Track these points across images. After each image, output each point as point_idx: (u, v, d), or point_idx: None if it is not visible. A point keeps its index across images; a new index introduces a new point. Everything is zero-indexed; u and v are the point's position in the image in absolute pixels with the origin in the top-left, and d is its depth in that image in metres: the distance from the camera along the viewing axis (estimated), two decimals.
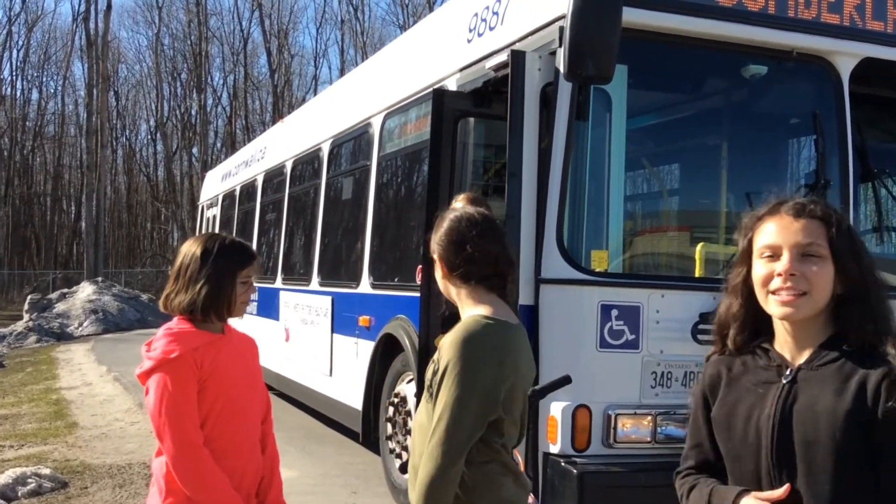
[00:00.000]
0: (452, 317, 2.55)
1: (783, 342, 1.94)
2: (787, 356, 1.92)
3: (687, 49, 4.63)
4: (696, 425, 2.08)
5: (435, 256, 2.51)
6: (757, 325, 1.98)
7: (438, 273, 2.53)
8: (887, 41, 4.76)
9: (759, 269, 1.92)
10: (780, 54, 4.70)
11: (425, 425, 2.39)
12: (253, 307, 9.96)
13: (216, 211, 14.55)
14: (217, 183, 15.24)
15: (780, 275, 1.87)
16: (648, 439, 4.29)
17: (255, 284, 3.12)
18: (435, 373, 2.37)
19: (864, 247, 1.93)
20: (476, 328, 2.36)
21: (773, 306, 1.89)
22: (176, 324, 2.90)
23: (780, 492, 1.82)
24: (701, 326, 4.31)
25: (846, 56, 4.72)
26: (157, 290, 39.09)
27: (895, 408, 1.74)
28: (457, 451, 2.29)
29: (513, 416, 2.39)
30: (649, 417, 4.29)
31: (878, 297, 1.88)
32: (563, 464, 4.21)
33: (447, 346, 2.35)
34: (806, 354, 1.90)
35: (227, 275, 2.86)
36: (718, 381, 2.02)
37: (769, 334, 1.97)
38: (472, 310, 2.45)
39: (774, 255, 1.90)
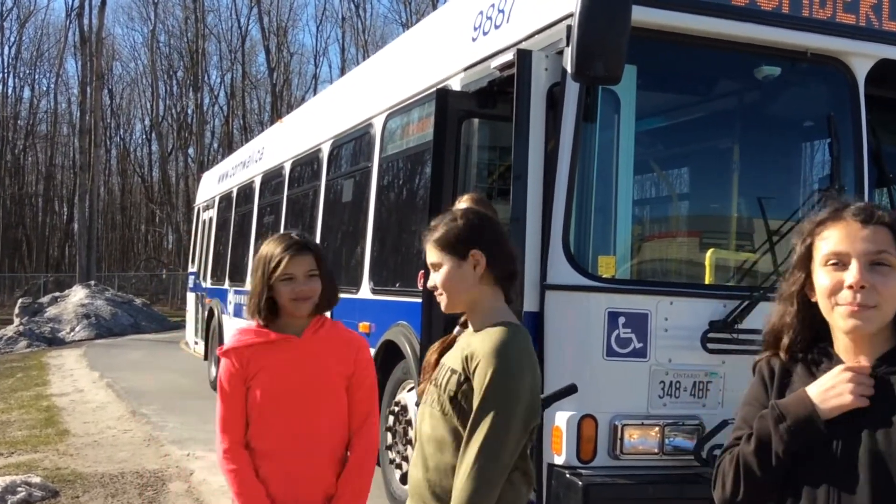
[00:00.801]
0: (451, 322, 2.57)
1: (844, 349, 1.91)
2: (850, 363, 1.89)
3: (698, 49, 4.63)
4: (739, 422, 2.01)
5: (475, 255, 2.46)
6: (814, 333, 1.95)
7: (465, 273, 2.46)
8: None
9: (824, 278, 1.87)
10: (794, 55, 4.70)
11: (445, 439, 2.39)
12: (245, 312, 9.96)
13: (213, 213, 14.57)
14: (214, 184, 15.26)
15: (850, 287, 1.82)
16: (656, 451, 4.29)
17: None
18: (461, 383, 2.37)
19: None
20: (516, 336, 2.38)
21: (839, 318, 1.85)
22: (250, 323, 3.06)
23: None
24: (710, 335, 4.32)
25: (862, 57, 4.73)
26: (152, 294, 39.25)
27: None
28: (505, 469, 2.31)
29: None
30: (657, 428, 4.29)
31: None
32: (567, 475, 4.21)
33: (488, 355, 2.33)
34: (867, 363, 1.86)
35: (261, 276, 2.94)
36: (784, 377, 1.97)
37: (826, 340, 1.94)
38: (493, 314, 2.46)
39: (841, 263, 1.85)
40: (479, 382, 2.32)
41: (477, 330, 2.47)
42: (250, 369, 2.94)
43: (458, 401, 2.37)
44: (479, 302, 2.49)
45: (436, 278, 2.49)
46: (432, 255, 2.50)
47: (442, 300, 2.51)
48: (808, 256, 1.94)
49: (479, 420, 2.31)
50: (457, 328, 2.61)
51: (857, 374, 1.83)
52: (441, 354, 2.59)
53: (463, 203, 4.78)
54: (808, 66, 4.78)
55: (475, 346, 2.38)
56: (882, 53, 4.74)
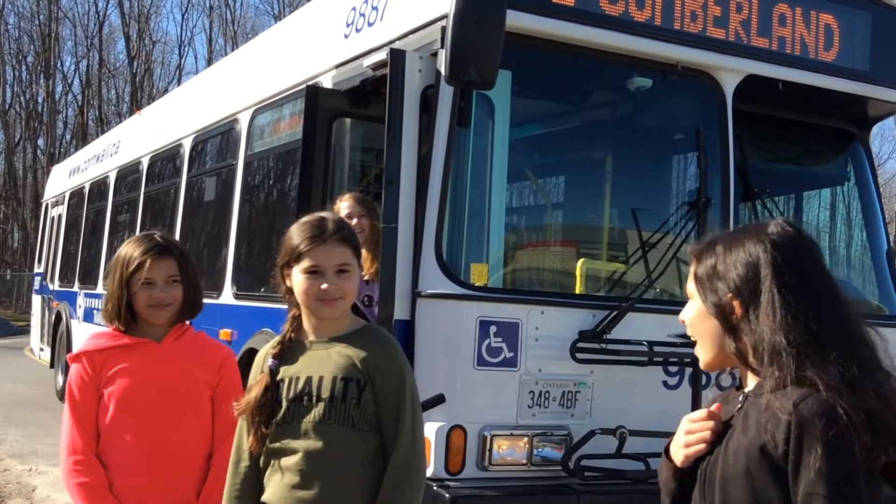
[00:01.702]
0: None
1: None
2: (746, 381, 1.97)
3: (573, 58, 4.75)
4: None
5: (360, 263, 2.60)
6: None
7: (358, 279, 2.58)
8: (772, 58, 5.02)
9: None
10: (666, 67, 4.88)
11: (352, 451, 2.44)
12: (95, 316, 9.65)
13: (62, 210, 14.04)
14: (64, 179, 14.70)
15: None
16: (524, 461, 4.37)
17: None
18: (362, 388, 2.45)
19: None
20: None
21: None
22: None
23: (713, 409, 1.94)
24: (580, 345, 4.43)
25: (730, 72, 4.96)
26: None
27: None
28: None
29: None
30: (526, 439, 4.36)
31: None
32: (435, 488, 4.23)
33: (397, 354, 2.52)
34: (754, 380, 1.94)
35: (119, 280, 2.85)
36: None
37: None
38: (354, 318, 2.60)
39: None
40: (398, 381, 2.47)
41: (338, 334, 2.52)
42: (104, 374, 2.84)
43: (362, 406, 2.43)
44: (349, 311, 2.58)
45: (341, 282, 2.48)
46: (343, 256, 2.49)
47: (338, 305, 2.50)
48: None
49: (411, 418, 2.46)
50: (272, 361, 2.55)
51: (694, 423, 1.95)
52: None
53: (344, 202, 4.80)
54: (679, 79, 4.97)
55: (369, 348, 2.48)
56: (750, 69, 4.98)
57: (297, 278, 2.49)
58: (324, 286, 2.45)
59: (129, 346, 2.88)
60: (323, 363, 2.49)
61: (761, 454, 1.78)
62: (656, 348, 4.48)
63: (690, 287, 2.01)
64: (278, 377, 2.53)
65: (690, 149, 5.31)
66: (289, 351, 2.56)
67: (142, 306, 2.85)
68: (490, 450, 4.30)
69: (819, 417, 1.72)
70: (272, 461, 2.51)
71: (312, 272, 2.47)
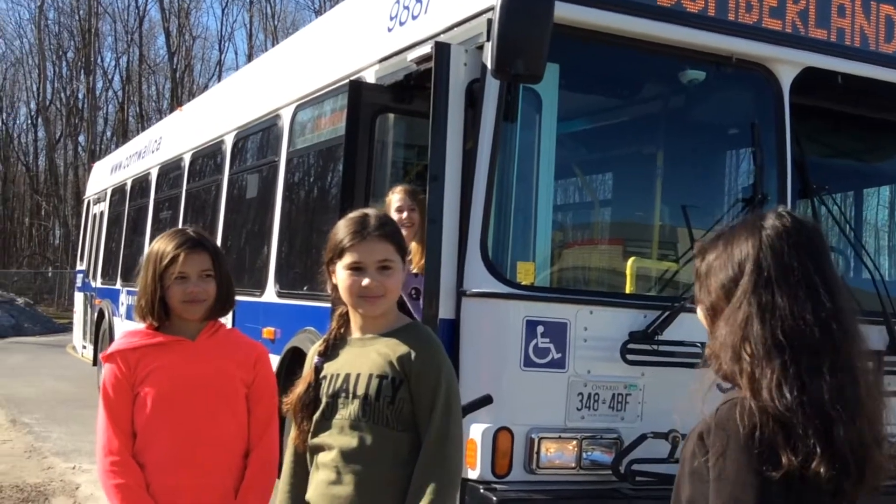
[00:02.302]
0: None
1: None
2: None
3: (623, 50, 4.71)
4: None
5: (406, 261, 2.63)
6: None
7: (401, 277, 2.58)
8: (830, 50, 4.93)
9: None
10: (720, 60, 4.82)
11: (382, 450, 2.46)
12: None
13: (104, 207, 14.25)
14: (106, 176, 14.92)
15: None
16: (573, 465, 4.34)
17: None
18: (397, 387, 2.46)
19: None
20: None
21: None
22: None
23: None
24: (630, 346, 4.39)
25: (787, 64, 4.88)
26: (36, 293, 38.06)
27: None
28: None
29: None
30: (574, 442, 4.34)
31: None
32: (482, 490, 4.23)
33: (435, 352, 2.52)
34: None
35: (152, 275, 2.87)
36: None
37: None
38: (399, 316, 2.64)
39: None
40: (434, 380, 2.46)
41: (382, 332, 2.55)
42: (138, 373, 2.86)
43: (397, 405, 2.46)
44: (393, 307, 2.60)
45: (383, 279, 2.50)
46: (385, 252, 2.52)
47: (379, 303, 2.53)
48: None
49: (442, 416, 2.45)
50: (317, 359, 2.62)
51: None
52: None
53: (395, 194, 4.83)
54: (734, 72, 4.90)
55: (407, 346, 2.49)
56: (808, 61, 4.89)
57: (341, 275, 2.53)
58: (365, 282, 2.48)
59: (163, 344, 2.90)
60: (362, 360, 2.53)
61: (699, 443, 1.85)
62: None
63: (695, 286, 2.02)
64: (322, 374, 2.59)
65: (745, 144, 5.24)
66: (334, 348, 2.62)
67: (176, 301, 2.87)
68: (538, 452, 4.29)
69: (725, 424, 1.77)
70: (313, 457, 2.58)
71: (354, 268, 2.50)
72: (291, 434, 2.65)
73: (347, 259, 2.50)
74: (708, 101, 5.32)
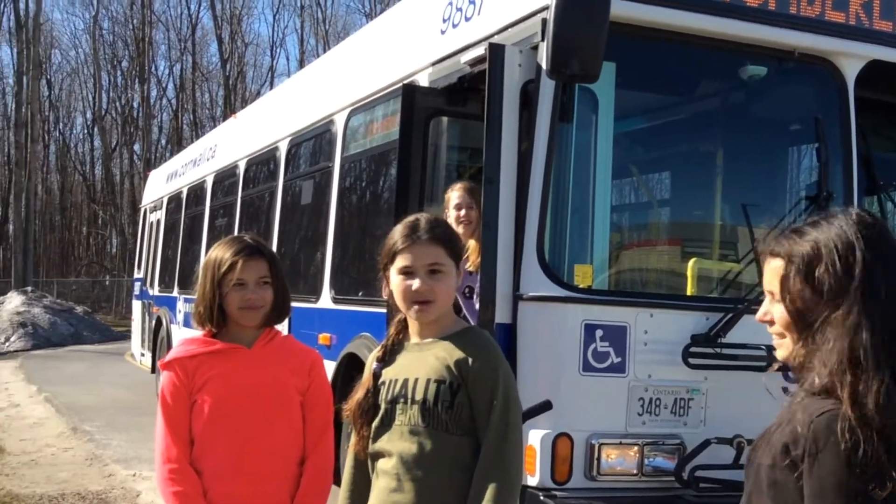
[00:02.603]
0: None
1: None
2: None
3: (681, 47, 4.68)
4: None
5: (461, 266, 2.64)
6: None
7: (455, 283, 2.61)
8: (895, 42, 4.84)
9: None
10: (781, 54, 4.76)
11: (441, 455, 2.47)
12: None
13: (160, 215, 14.48)
14: (161, 184, 15.16)
15: None
16: (635, 471, 4.32)
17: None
18: (455, 392, 2.47)
19: None
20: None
21: None
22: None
23: None
24: (692, 349, 4.35)
25: (852, 58, 4.80)
26: (94, 302, 38.84)
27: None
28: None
29: None
30: (636, 447, 4.31)
31: None
32: (542, 497, 4.22)
33: (493, 361, 2.51)
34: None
35: (210, 281, 2.91)
36: None
37: None
38: (457, 320, 2.64)
39: None
40: (491, 383, 2.46)
41: (439, 336, 2.55)
42: (196, 381, 2.91)
43: (455, 409, 2.46)
44: (449, 311, 2.61)
45: (433, 283, 2.51)
46: (436, 256, 2.52)
47: (429, 308, 2.53)
48: None
49: (500, 419, 2.45)
50: (375, 364, 2.65)
51: None
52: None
53: (455, 192, 4.85)
54: (796, 67, 4.84)
55: (464, 351, 2.49)
56: (873, 54, 4.80)
57: (393, 279, 2.55)
58: (414, 286, 2.50)
59: (220, 351, 2.94)
60: (419, 365, 2.54)
61: (783, 454, 1.77)
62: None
63: (769, 283, 1.93)
64: (380, 380, 2.60)
65: (808, 140, 5.16)
66: (392, 353, 2.64)
67: (234, 308, 2.91)
68: (598, 459, 4.27)
69: (823, 438, 1.70)
70: (374, 464, 2.59)
71: (405, 272, 2.52)
72: (351, 441, 2.67)
73: (398, 263, 2.53)
74: (769, 96, 5.25)
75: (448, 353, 2.50)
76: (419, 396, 2.49)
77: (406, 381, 2.54)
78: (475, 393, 2.47)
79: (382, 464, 2.55)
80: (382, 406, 2.56)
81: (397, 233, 2.56)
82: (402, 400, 2.53)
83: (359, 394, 2.62)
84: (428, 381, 2.49)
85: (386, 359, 2.63)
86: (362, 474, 2.66)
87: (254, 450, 2.89)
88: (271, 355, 2.98)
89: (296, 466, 2.98)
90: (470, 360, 2.48)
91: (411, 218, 2.60)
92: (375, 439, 2.57)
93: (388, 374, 2.60)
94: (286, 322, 7.49)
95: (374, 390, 2.60)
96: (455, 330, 2.58)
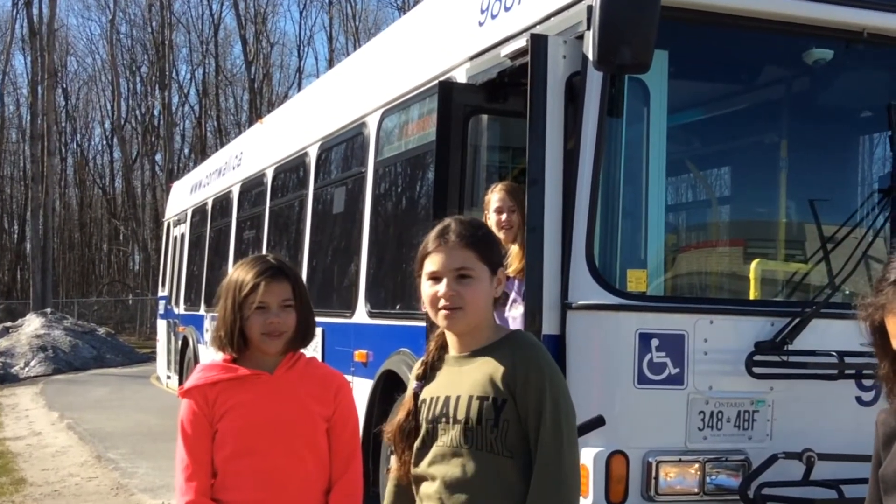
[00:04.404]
0: None
1: None
2: None
3: (738, 31, 4.68)
4: (870, 488, 2.14)
5: (501, 272, 2.61)
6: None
7: (491, 290, 2.57)
8: None
9: None
10: (849, 36, 4.73)
11: (486, 477, 2.44)
12: None
13: (185, 229, 14.64)
14: (185, 196, 15.34)
15: None
16: (696, 490, 4.30)
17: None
18: (499, 408, 2.43)
19: None
20: (545, 347, 2.59)
21: None
22: (222, 356, 3.08)
23: None
24: (757, 358, 4.33)
25: None
26: (117, 322, 39.35)
27: None
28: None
29: None
30: (697, 465, 4.30)
31: None
32: None
33: (540, 368, 2.47)
34: None
35: (231, 304, 2.96)
36: (892, 436, 2.07)
37: None
38: (498, 328, 2.62)
39: None
40: (538, 393, 2.42)
41: (477, 349, 2.53)
42: (217, 410, 2.95)
43: (501, 427, 2.43)
44: (488, 321, 2.59)
45: (461, 289, 2.49)
46: (464, 260, 2.51)
47: (457, 315, 2.51)
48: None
49: (556, 437, 2.41)
50: (415, 384, 2.65)
51: None
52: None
53: (495, 193, 4.87)
54: (865, 49, 4.82)
55: (509, 361, 2.46)
56: None
57: (423, 286, 2.56)
58: (439, 292, 2.49)
59: (242, 378, 2.98)
60: (461, 381, 2.52)
61: None
62: (847, 359, 4.33)
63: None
64: (421, 399, 2.60)
65: (880, 128, 5.12)
66: (433, 370, 2.63)
67: (256, 333, 2.95)
68: (656, 478, 4.26)
69: None
70: (417, 489, 2.59)
71: (433, 277, 2.53)
72: (392, 465, 2.68)
73: (427, 267, 2.54)
74: (836, 82, 5.22)
75: (490, 366, 2.48)
76: (461, 415, 2.47)
77: (447, 398, 2.52)
78: (523, 408, 2.43)
79: (425, 488, 2.54)
80: (423, 426, 2.56)
81: (429, 237, 2.57)
82: (443, 419, 2.51)
83: (400, 415, 2.62)
84: (470, 398, 2.47)
85: (426, 376, 2.63)
86: (403, 500, 2.66)
87: (279, 481, 2.94)
88: (295, 381, 3.02)
89: (322, 496, 3.02)
90: (514, 372, 2.44)
91: (445, 221, 2.61)
92: (417, 462, 2.57)
93: (428, 391, 2.59)
94: (319, 338, 7.58)
95: (415, 411, 2.60)
96: (497, 338, 2.56)
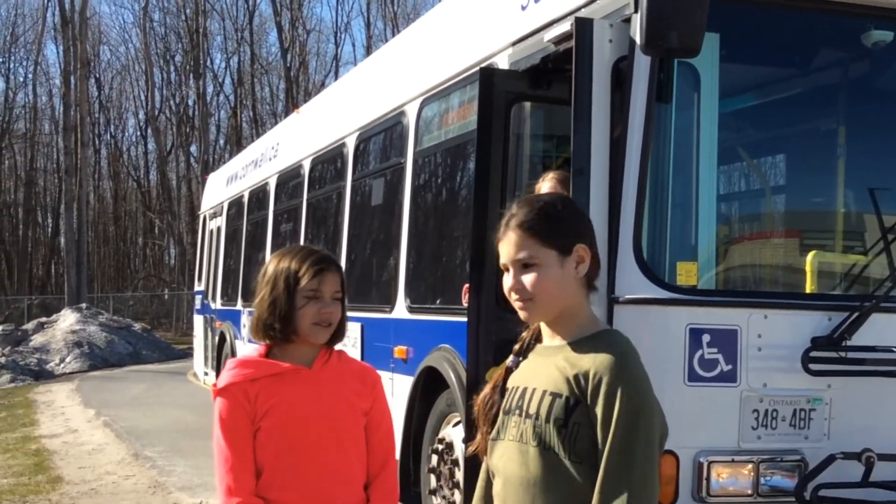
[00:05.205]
0: (506, 344, 2.56)
1: None
2: None
3: (792, 12, 4.65)
4: None
5: (580, 250, 2.43)
6: None
7: (567, 273, 2.41)
8: None
9: None
10: None
11: (548, 478, 2.31)
12: None
13: (221, 221, 14.76)
14: (221, 188, 15.47)
15: None
16: (750, 491, 4.28)
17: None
18: (570, 409, 2.30)
19: None
20: (630, 344, 2.40)
21: None
22: (255, 349, 3.09)
23: None
24: (813, 354, 4.30)
25: None
26: (153, 318, 39.81)
27: None
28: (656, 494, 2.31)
29: None
30: (751, 465, 4.28)
31: None
32: None
33: (620, 374, 2.28)
34: None
35: (284, 291, 2.95)
36: None
37: None
38: (592, 322, 2.46)
39: None
40: (610, 399, 2.26)
41: (571, 342, 2.41)
42: (259, 407, 2.95)
43: (570, 429, 2.30)
44: (576, 309, 2.45)
45: (525, 279, 2.40)
46: (523, 248, 2.40)
47: (529, 307, 2.42)
48: None
49: (625, 448, 2.24)
50: (511, 357, 2.57)
51: None
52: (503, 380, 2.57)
53: (547, 182, 4.85)
54: None
55: (587, 360, 2.32)
56: None
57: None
58: (506, 285, 2.44)
59: (281, 374, 2.99)
60: (541, 373, 2.43)
61: None
62: None
63: None
64: (507, 384, 2.54)
65: None
66: (526, 353, 2.56)
67: (306, 323, 2.95)
68: (708, 479, 4.24)
69: None
70: (492, 480, 2.54)
71: (504, 268, 2.47)
72: (476, 440, 2.60)
73: (501, 258, 2.48)
74: None
75: (570, 362, 2.36)
76: (533, 410, 2.37)
77: (525, 390, 2.43)
78: (593, 414, 2.29)
79: (495, 485, 2.50)
80: (500, 415, 2.49)
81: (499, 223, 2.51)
82: (517, 412, 2.42)
83: (486, 388, 2.56)
84: (544, 392, 2.36)
85: (522, 354, 2.55)
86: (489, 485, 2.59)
87: (329, 478, 2.96)
88: (334, 376, 3.04)
89: (362, 492, 3.05)
90: (591, 372, 2.30)
91: (512, 205, 2.51)
92: (491, 453, 2.51)
93: (513, 379, 2.51)
94: (358, 334, 7.61)
95: (503, 386, 2.53)
96: (588, 333, 2.42)
